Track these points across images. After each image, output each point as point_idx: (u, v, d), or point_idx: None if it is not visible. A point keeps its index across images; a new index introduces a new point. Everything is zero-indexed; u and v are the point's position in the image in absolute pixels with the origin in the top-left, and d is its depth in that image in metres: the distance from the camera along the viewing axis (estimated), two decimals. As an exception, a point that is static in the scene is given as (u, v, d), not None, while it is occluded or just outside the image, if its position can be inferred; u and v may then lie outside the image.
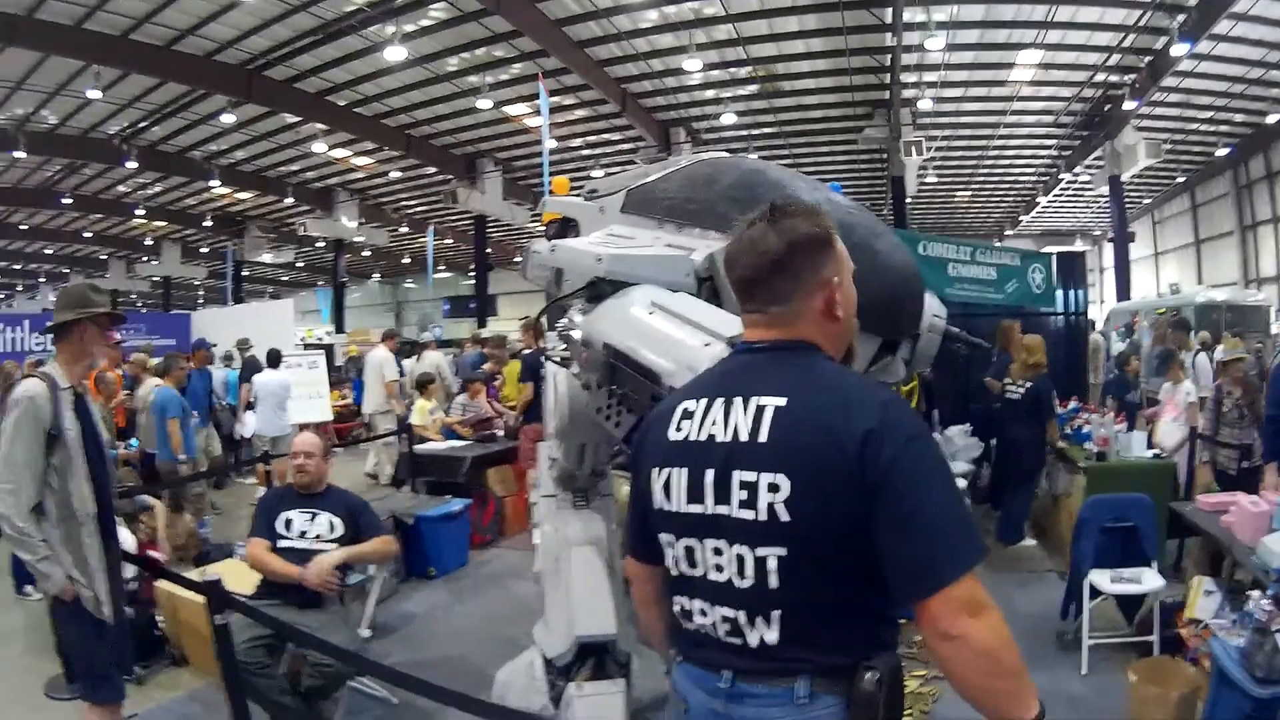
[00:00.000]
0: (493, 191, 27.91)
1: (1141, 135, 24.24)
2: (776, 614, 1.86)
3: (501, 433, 10.78)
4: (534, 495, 5.21)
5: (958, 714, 4.01)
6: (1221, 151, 29.19)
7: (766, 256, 2.00)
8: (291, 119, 23.59)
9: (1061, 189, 32.49)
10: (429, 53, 19.59)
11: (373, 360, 14.01)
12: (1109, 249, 33.91)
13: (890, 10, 17.50)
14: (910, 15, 17.66)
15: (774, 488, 1.83)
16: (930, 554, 1.75)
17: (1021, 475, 8.40)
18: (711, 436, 1.96)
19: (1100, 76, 22.30)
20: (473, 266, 36.00)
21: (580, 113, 24.02)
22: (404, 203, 35.28)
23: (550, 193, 4.66)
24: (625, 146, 26.49)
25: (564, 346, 3.65)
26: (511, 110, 23.52)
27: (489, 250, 33.94)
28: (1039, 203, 35.04)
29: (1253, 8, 18.05)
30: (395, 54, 18.22)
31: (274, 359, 12.58)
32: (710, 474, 1.93)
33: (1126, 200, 28.53)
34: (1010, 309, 10.57)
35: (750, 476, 1.87)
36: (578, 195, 4.38)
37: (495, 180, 27.95)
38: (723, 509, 1.91)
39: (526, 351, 10.38)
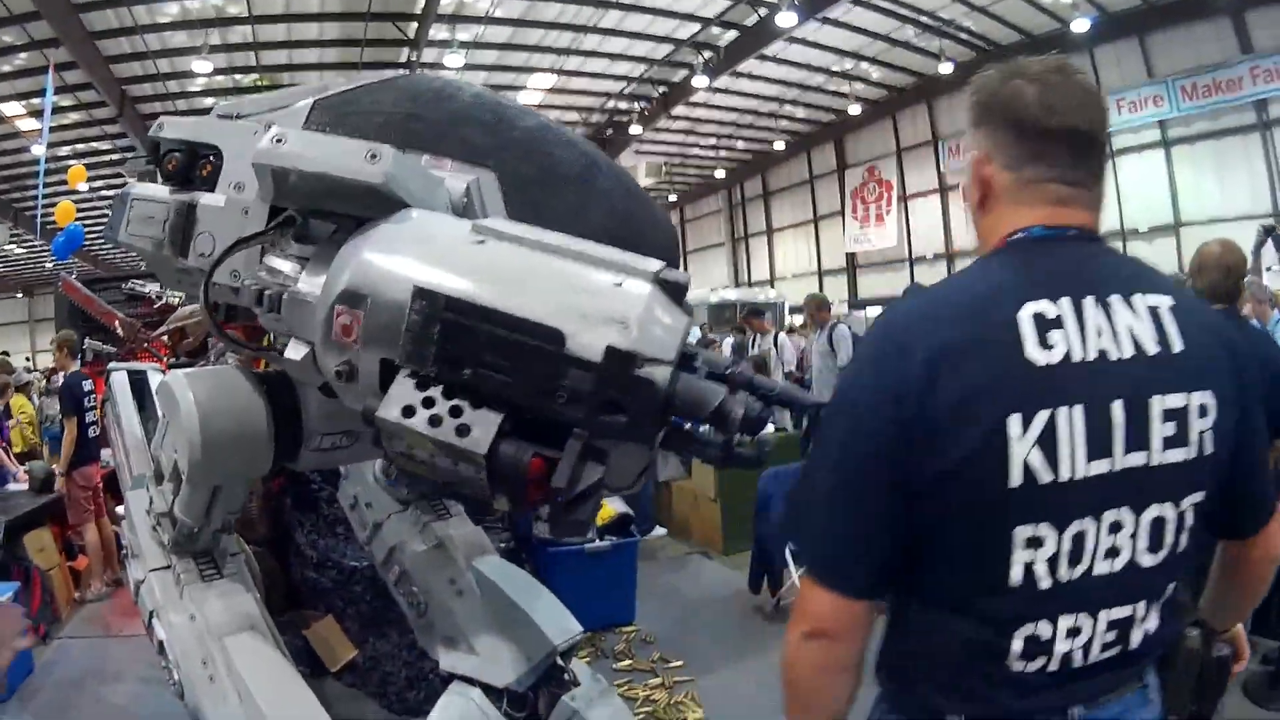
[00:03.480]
0: (-35, 205, 23.96)
1: (643, 157, 26.40)
2: (1171, 588, 1.46)
3: (25, 485, 8.00)
4: (136, 570, 3.72)
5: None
6: (720, 174, 33.13)
7: (1104, 115, 1.52)
8: None
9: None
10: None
11: None
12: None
13: (415, 26, 17.39)
14: (434, 33, 17.80)
15: (1204, 411, 1.40)
16: None
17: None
18: (1103, 353, 1.36)
19: (612, 103, 23.74)
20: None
21: (75, 116, 21.26)
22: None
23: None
24: (114, 158, 23.81)
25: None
26: (5, 109, 20.33)
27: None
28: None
29: (782, 51, 20.31)
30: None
31: None
32: (1119, 407, 1.34)
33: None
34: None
35: (1179, 401, 1.38)
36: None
37: (-31, 192, 24.10)
38: (1137, 458, 1.35)
39: (63, 373, 8.28)
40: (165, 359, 6.07)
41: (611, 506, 5.58)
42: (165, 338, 6.33)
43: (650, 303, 1.73)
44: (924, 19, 19.49)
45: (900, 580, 1.46)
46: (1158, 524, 1.38)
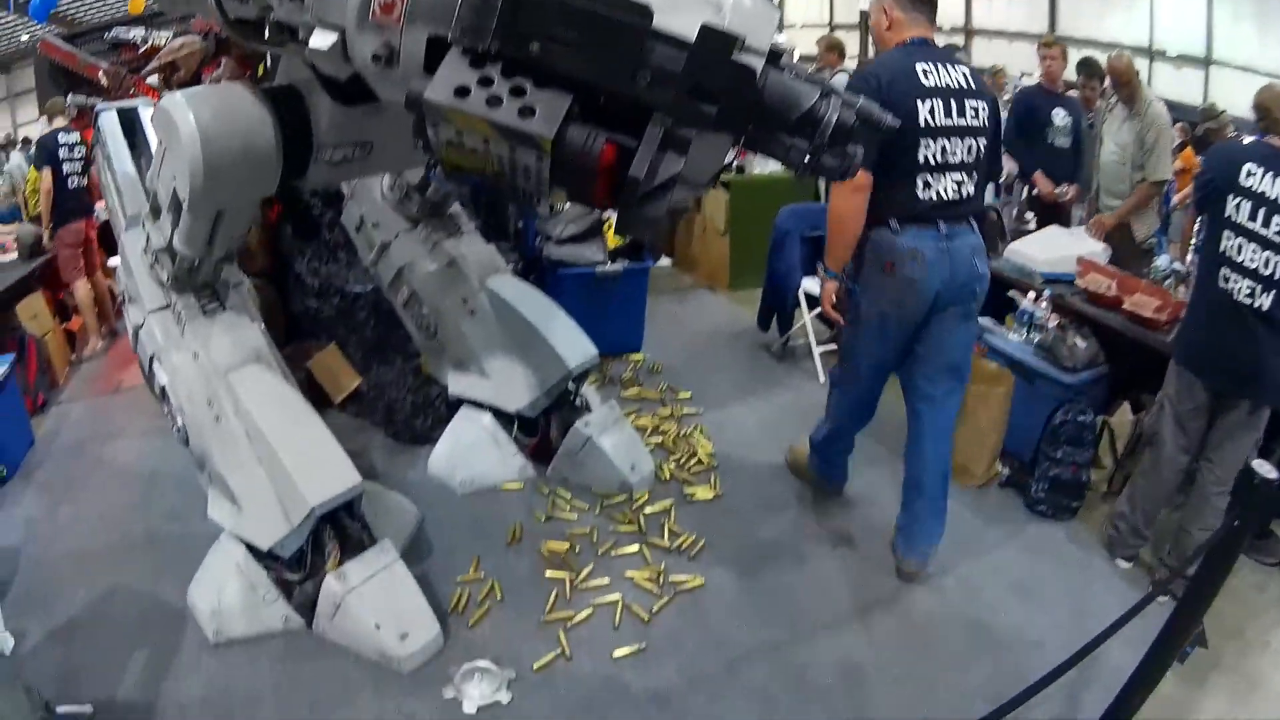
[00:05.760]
0: None
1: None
2: (976, 175, 3.30)
3: (13, 254, 6.95)
4: (134, 314, 3.56)
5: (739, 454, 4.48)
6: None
7: None
8: None
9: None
10: None
11: None
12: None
13: None
14: None
15: (981, 109, 3.26)
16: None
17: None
18: (946, 83, 3.18)
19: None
20: None
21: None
22: None
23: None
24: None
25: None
26: None
27: None
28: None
29: None
30: None
31: None
32: (953, 101, 3.18)
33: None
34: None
35: (975, 103, 3.24)
36: None
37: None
38: (962, 121, 3.20)
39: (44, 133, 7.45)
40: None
41: (621, 231, 5.32)
42: (155, 76, 6.02)
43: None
44: None
45: (882, 171, 3.14)
46: (970, 146, 3.23)
